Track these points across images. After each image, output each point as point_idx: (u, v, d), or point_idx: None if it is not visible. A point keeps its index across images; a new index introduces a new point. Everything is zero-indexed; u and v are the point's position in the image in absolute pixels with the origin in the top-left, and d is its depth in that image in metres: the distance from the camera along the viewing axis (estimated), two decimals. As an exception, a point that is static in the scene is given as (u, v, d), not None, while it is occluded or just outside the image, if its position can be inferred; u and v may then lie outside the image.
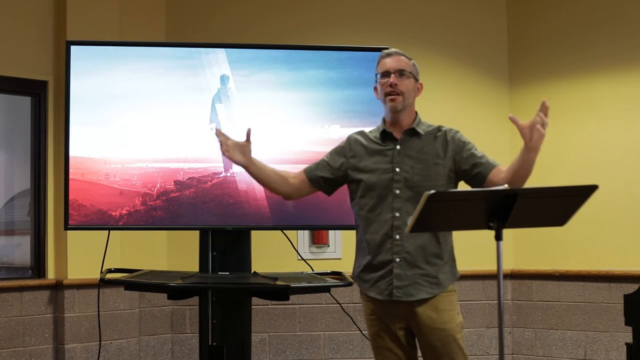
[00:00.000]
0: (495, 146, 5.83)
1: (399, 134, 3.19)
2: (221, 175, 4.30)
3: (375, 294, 3.16)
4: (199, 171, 4.29)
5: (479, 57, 5.87)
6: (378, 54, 4.29)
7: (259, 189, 4.30)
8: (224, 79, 4.32)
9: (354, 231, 5.27)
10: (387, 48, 4.34)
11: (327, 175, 3.26)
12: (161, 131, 4.30)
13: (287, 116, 4.35)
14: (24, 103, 5.33)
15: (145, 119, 4.30)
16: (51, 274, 5.24)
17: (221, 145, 3.19)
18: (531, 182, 5.54)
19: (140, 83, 4.30)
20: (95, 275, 4.41)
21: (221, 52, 4.33)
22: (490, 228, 2.87)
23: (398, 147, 3.17)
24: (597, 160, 5.50)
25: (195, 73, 4.31)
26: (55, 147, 5.22)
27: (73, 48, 4.29)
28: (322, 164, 3.28)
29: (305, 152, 4.30)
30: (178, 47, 4.45)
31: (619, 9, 5.49)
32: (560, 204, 2.91)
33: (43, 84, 5.29)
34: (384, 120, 3.24)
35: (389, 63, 3.17)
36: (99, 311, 4.75)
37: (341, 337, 5.61)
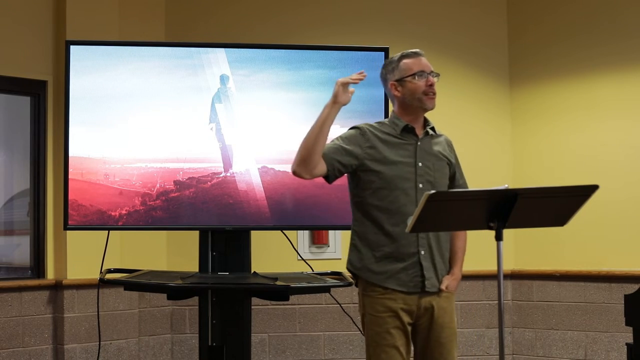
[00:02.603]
0: (496, 146, 5.84)
1: (418, 131, 3.28)
2: (221, 175, 4.29)
3: (395, 286, 3.17)
4: (199, 171, 4.28)
5: (479, 57, 5.86)
6: (378, 54, 4.35)
7: (258, 189, 4.29)
8: (223, 79, 4.31)
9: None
10: (387, 48, 4.38)
11: (344, 162, 3.21)
12: (161, 131, 4.29)
13: (287, 116, 4.34)
14: (24, 103, 5.33)
15: (144, 118, 4.29)
16: (51, 274, 5.23)
17: (350, 78, 3.14)
18: (531, 182, 5.57)
19: (139, 83, 4.29)
20: (95, 276, 4.41)
21: (221, 51, 4.32)
22: (490, 228, 2.87)
23: (419, 143, 3.26)
24: (598, 160, 5.49)
25: (195, 73, 4.30)
26: (55, 147, 5.22)
27: (73, 48, 4.28)
28: (337, 149, 3.21)
29: (305, 152, 4.29)
30: (178, 47, 4.44)
31: (619, 9, 5.49)
32: (560, 204, 2.91)
33: (42, 84, 5.29)
34: (397, 117, 3.29)
35: (424, 63, 3.27)
36: (98, 311, 4.75)
37: (341, 337, 5.60)
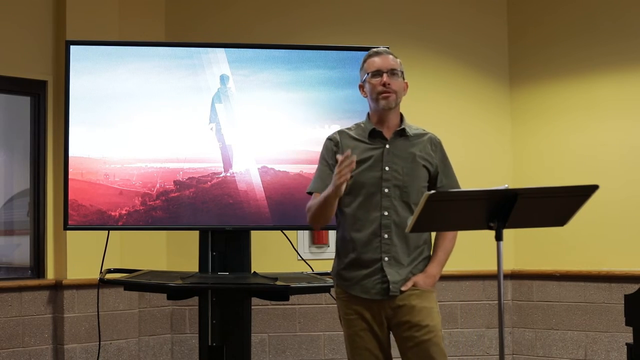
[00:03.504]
0: (496, 146, 5.84)
1: (387, 133, 3.20)
2: (221, 175, 4.29)
3: (359, 293, 3.15)
4: (199, 171, 4.28)
5: (479, 57, 5.86)
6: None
7: (258, 189, 4.29)
8: (223, 79, 4.31)
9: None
10: (387, 48, 4.37)
11: None
12: (161, 131, 4.29)
13: (287, 116, 4.34)
14: (24, 103, 5.33)
15: (144, 118, 4.29)
16: (51, 274, 5.23)
17: (344, 168, 2.92)
18: (532, 182, 5.57)
19: (139, 83, 4.29)
20: (95, 276, 4.41)
21: (221, 51, 4.32)
22: (490, 228, 2.87)
23: (387, 146, 3.18)
24: (598, 160, 5.49)
25: (195, 73, 4.30)
26: (55, 147, 5.22)
27: (73, 48, 4.29)
28: (327, 176, 3.14)
29: (305, 152, 4.30)
30: (178, 47, 4.44)
31: (619, 9, 5.49)
32: (560, 204, 2.91)
33: (43, 84, 5.29)
34: (369, 119, 3.25)
35: (380, 62, 3.19)
36: (98, 311, 4.75)
37: (341, 337, 5.56)
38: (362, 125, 3.25)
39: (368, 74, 3.19)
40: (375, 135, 3.19)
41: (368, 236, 3.13)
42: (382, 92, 3.15)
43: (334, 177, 2.97)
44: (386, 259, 3.12)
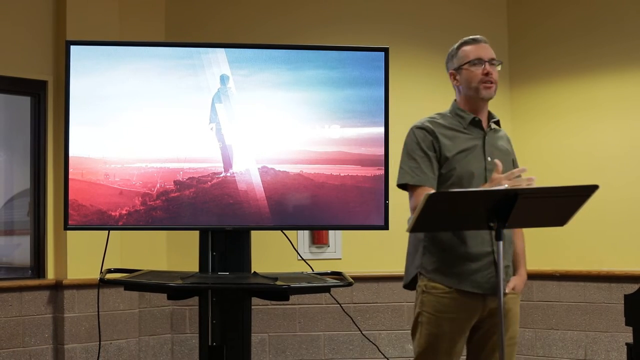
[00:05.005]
0: (496, 146, 5.84)
1: (484, 123, 3.18)
2: (221, 175, 4.29)
3: (470, 287, 3.03)
4: (199, 171, 4.28)
5: (479, 57, 5.86)
6: (378, 54, 4.34)
7: (258, 189, 4.29)
8: (223, 79, 4.31)
9: (354, 231, 5.22)
10: (387, 48, 4.37)
11: (436, 169, 3.09)
12: (161, 131, 4.29)
13: (287, 116, 4.34)
14: (24, 103, 5.33)
15: (145, 118, 4.29)
16: (51, 274, 5.23)
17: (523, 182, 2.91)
18: (531, 182, 5.55)
19: (139, 83, 4.29)
20: (95, 276, 4.40)
21: (221, 51, 4.32)
22: (490, 228, 2.87)
23: (486, 137, 3.16)
24: (597, 160, 5.50)
25: (195, 73, 4.30)
26: (55, 147, 5.22)
27: (73, 48, 4.28)
28: (428, 166, 3.07)
29: (305, 152, 4.29)
30: (178, 47, 4.44)
31: (619, 10, 5.50)
32: (560, 204, 2.91)
33: (43, 84, 5.29)
34: (460, 108, 3.17)
35: (481, 50, 3.17)
36: (98, 311, 4.75)
37: (341, 337, 5.60)
38: (449, 114, 3.18)
39: (468, 62, 3.13)
40: (474, 125, 3.15)
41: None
42: (483, 82, 3.12)
43: (503, 180, 2.87)
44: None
